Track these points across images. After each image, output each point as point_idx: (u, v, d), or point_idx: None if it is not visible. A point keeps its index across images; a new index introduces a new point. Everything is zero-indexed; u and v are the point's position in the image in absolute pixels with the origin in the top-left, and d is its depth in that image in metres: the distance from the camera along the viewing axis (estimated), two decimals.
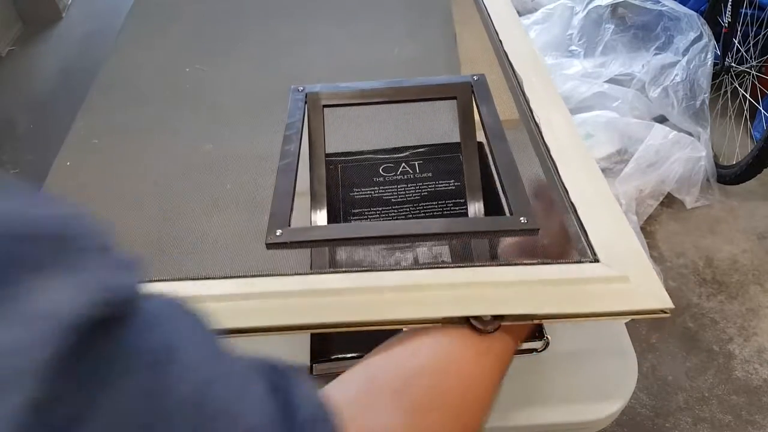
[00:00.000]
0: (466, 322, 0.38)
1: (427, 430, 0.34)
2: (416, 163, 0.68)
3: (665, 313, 0.37)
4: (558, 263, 0.40)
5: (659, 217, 1.77)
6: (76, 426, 0.17)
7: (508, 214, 0.46)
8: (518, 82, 0.57)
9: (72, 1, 1.73)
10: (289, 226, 0.47)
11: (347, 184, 0.66)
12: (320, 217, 0.57)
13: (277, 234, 0.46)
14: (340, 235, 0.46)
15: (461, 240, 0.45)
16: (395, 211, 0.62)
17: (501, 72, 0.63)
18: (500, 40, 0.65)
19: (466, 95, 0.59)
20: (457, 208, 0.62)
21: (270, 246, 0.46)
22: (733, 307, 1.56)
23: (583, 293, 0.38)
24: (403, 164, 0.68)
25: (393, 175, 0.67)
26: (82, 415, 0.18)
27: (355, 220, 0.60)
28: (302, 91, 0.62)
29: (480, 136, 0.58)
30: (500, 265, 0.40)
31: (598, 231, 0.41)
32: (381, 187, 0.66)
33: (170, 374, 0.21)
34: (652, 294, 0.37)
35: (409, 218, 0.59)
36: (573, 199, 0.44)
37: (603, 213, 0.43)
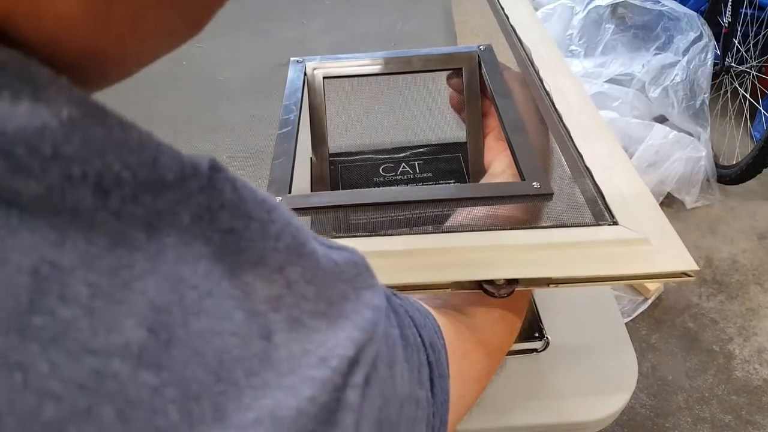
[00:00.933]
0: (478, 286, 0.36)
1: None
2: (416, 163, 0.68)
3: (689, 276, 0.34)
4: (575, 226, 0.38)
5: None
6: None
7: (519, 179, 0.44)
8: (526, 53, 0.56)
9: None
10: (290, 193, 0.45)
11: (347, 184, 0.65)
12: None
13: (277, 200, 0.44)
14: (344, 202, 0.44)
15: (471, 206, 0.43)
16: None
17: (505, 45, 0.62)
18: (506, 15, 0.64)
19: (472, 65, 0.57)
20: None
21: None
22: (733, 307, 1.55)
23: (601, 256, 0.36)
24: (403, 164, 0.68)
25: (393, 176, 0.66)
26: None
27: None
28: (301, 62, 0.60)
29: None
30: (513, 228, 0.38)
31: (616, 194, 0.39)
32: (381, 187, 0.65)
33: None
34: (675, 256, 0.35)
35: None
36: (588, 163, 0.42)
37: (619, 176, 0.41)
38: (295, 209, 0.44)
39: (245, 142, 0.62)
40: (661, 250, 0.35)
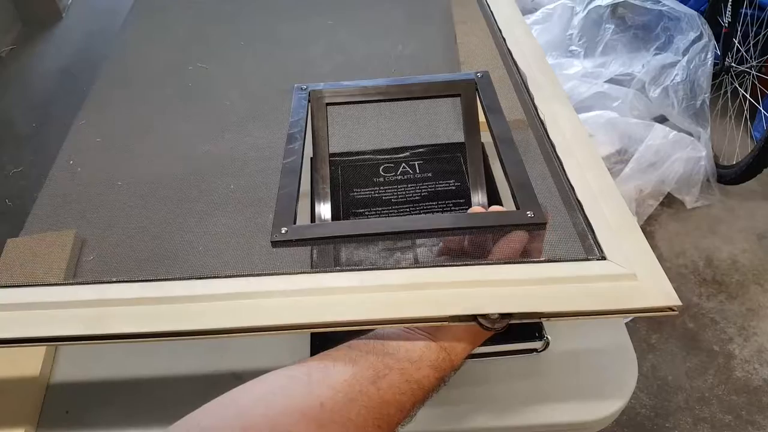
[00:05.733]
0: (473, 320, 0.38)
1: None
2: (416, 163, 0.69)
3: (673, 310, 0.36)
4: (565, 261, 0.39)
5: (659, 217, 1.77)
6: None
7: (514, 208, 0.46)
8: (522, 79, 0.57)
9: (72, 1, 1.72)
10: (294, 224, 0.47)
11: (347, 185, 0.66)
12: (324, 216, 0.57)
13: (283, 232, 0.46)
14: (346, 232, 0.46)
15: (467, 235, 0.45)
16: (395, 211, 0.63)
17: (503, 69, 0.63)
18: (503, 38, 0.65)
19: (470, 92, 0.59)
20: (456, 209, 0.62)
21: (275, 244, 0.45)
22: (733, 307, 1.57)
23: (590, 291, 0.37)
24: (403, 164, 0.69)
25: (393, 176, 0.67)
26: None
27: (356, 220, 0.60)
28: (305, 89, 0.62)
29: (484, 136, 0.58)
30: (508, 263, 0.40)
31: (605, 228, 0.41)
32: (381, 188, 0.66)
33: None
34: (659, 292, 0.37)
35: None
36: (579, 197, 0.44)
37: (610, 210, 0.43)
38: (299, 240, 0.46)
39: (250, 169, 0.64)
40: (647, 286, 0.37)
